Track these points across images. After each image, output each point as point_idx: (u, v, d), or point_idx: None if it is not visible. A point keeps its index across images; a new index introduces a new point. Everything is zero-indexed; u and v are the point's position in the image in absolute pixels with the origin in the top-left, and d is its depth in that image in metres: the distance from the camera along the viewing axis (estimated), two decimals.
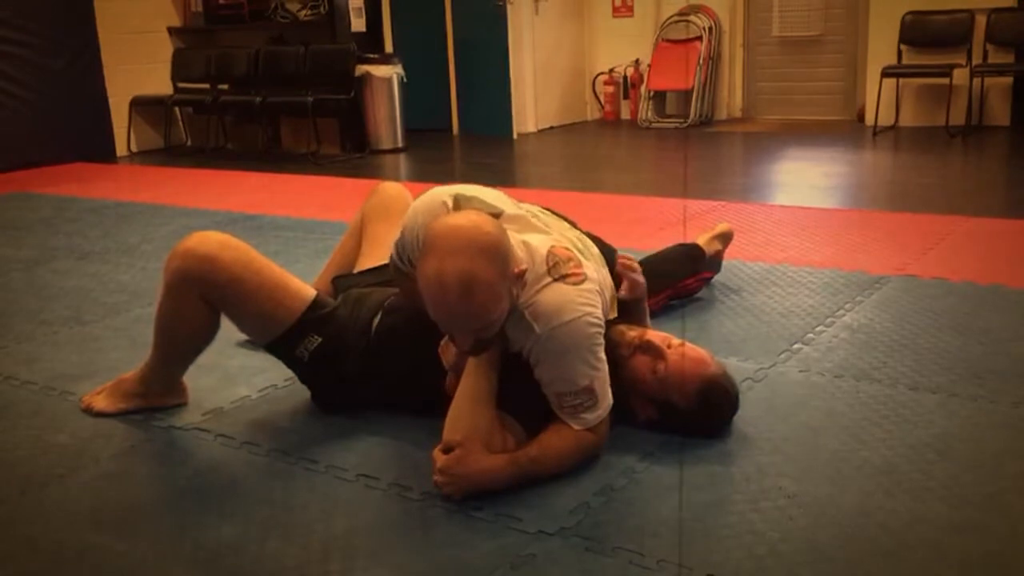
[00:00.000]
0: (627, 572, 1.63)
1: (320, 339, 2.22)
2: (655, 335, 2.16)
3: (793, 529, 1.74)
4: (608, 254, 2.29)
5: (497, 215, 1.98)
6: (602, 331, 1.98)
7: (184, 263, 2.17)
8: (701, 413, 2.10)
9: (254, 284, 2.18)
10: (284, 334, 2.22)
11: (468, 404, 1.94)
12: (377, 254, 2.50)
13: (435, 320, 1.84)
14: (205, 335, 2.30)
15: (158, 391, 2.40)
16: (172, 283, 2.20)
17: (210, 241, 2.19)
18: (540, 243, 1.99)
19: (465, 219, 1.84)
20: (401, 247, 2.09)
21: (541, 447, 1.95)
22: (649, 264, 2.53)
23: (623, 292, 2.25)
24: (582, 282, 1.96)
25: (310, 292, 2.27)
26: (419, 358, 2.16)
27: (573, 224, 2.30)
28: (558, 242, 2.04)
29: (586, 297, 1.95)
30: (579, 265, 1.99)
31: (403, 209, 2.57)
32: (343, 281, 2.50)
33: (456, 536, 1.76)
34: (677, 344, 2.14)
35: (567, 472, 1.97)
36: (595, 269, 2.07)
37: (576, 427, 1.97)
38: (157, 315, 2.28)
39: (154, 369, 2.37)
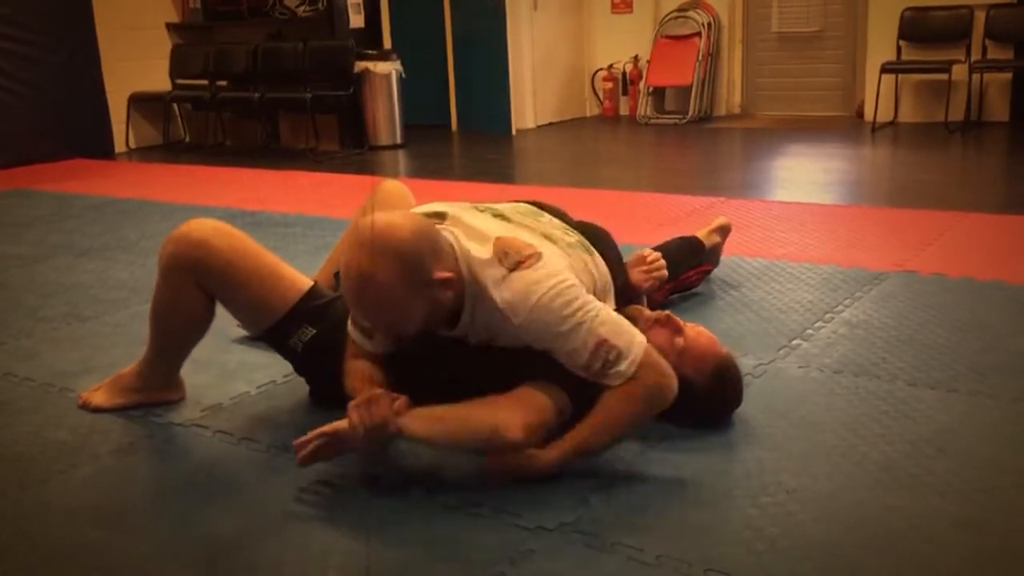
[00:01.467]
0: (626, 567, 1.63)
1: (314, 331, 2.20)
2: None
3: (792, 524, 1.74)
4: (604, 242, 2.29)
5: (441, 215, 2.00)
6: (573, 284, 1.89)
7: (177, 248, 2.18)
8: (713, 393, 2.10)
9: (248, 270, 2.18)
10: (277, 323, 2.21)
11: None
12: None
13: None
14: (200, 323, 2.29)
15: (155, 385, 2.39)
16: (166, 268, 2.20)
17: (204, 227, 2.19)
18: (481, 245, 1.92)
19: (384, 218, 1.83)
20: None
21: (592, 425, 1.88)
22: None
23: (645, 285, 2.41)
24: (537, 262, 1.89)
25: (306, 282, 2.26)
26: (416, 358, 2.13)
27: (563, 214, 2.29)
28: (505, 233, 1.98)
29: (544, 272, 1.89)
30: (529, 246, 1.92)
31: (405, 207, 2.56)
32: None
33: (456, 532, 1.76)
34: (690, 325, 2.16)
35: (639, 427, 1.95)
36: (565, 254, 2.01)
37: (616, 384, 1.86)
38: (152, 304, 2.27)
39: (150, 363, 2.37)
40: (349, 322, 2.08)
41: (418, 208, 2.07)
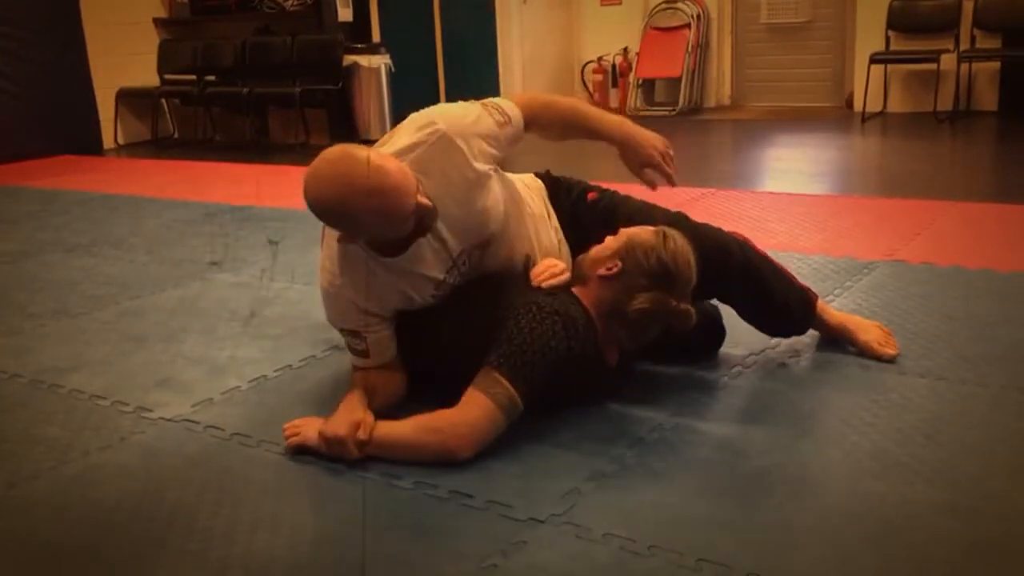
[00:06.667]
0: (618, 558, 1.63)
1: None
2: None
3: (782, 514, 1.74)
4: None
5: None
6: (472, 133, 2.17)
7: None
8: (675, 263, 2.13)
9: None
10: None
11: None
12: None
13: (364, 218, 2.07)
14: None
15: None
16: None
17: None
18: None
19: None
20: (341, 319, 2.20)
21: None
22: None
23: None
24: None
25: None
26: (416, 325, 2.21)
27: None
28: None
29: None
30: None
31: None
32: None
33: (447, 524, 1.76)
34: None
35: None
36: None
37: None
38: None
39: None
40: (346, 347, 2.22)
41: None
